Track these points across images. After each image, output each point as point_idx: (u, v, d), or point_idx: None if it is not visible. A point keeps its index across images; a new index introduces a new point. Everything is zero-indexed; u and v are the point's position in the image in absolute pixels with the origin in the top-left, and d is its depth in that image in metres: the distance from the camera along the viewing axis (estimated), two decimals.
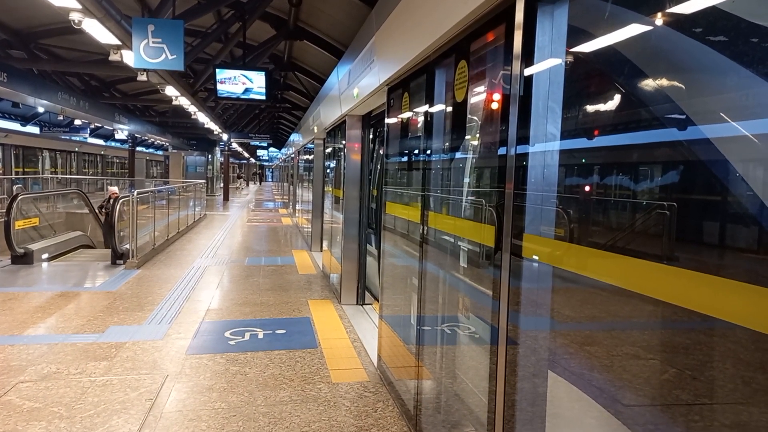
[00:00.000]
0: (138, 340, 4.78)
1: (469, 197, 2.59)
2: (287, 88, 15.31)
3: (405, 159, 3.82)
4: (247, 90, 8.70)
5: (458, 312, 2.76)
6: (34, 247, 8.76)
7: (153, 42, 6.48)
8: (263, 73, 8.75)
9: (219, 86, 8.63)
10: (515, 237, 1.95)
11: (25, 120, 24.51)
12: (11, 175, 21.03)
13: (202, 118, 14.66)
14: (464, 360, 2.77)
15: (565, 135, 1.83)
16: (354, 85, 5.13)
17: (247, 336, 5.00)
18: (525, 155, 1.93)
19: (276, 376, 4.06)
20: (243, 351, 4.59)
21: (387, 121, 4.12)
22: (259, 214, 19.47)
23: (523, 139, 1.91)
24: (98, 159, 33.10)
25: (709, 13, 1.22)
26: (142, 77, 8.07)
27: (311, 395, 3.75)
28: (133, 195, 8.86)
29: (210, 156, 30.43)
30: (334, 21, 8.22)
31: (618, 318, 1.61)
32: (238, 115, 22.09)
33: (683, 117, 1.32)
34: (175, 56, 6.55)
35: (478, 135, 2.46)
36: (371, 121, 5.97)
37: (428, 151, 3.10)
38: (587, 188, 1.76)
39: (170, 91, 9.83)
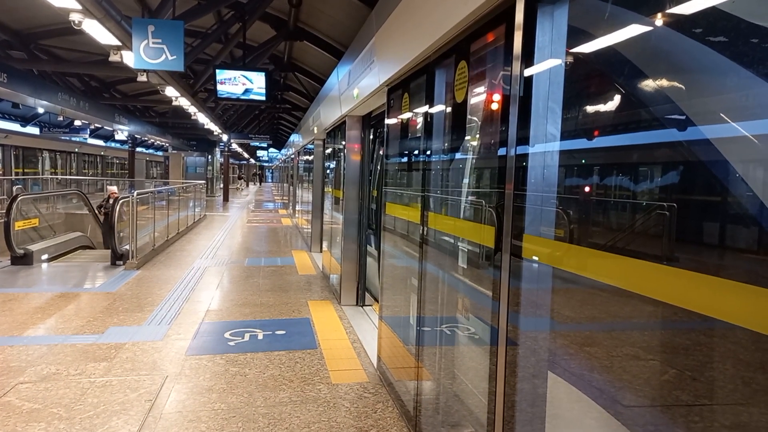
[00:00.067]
0: (138, 341, 4.77)
1: (469, 198, 2.59)
2: (287, 88, 15.32)
3: (405, 160, 3.82)
4: (247, 91, 8.71)
5: (458, 313, 2.76)
6: (33, 247, 8.75)
7: (153, 42, 6.48)
8: (263, 73, 8.75)
9: (219, 87, 8.63)
10: (515, 238, 1.95)
11: (25, 121, 24.51)
12: (11, 175, 21.03)
13: (202, 118, 14.66)
14: (464, 361, 2.77)
15: (565, 135, 1.83)
16: (354, 86, 5.13)
17: (246, 337, 4.99)
18: (525, 156, 1.92)
19: (275, 377, 4.06)
20: (243, 352, 4.58)
21: (387, 121, 4.12)
22: (259, 214, 19.47)
23: (523, 139, 1.91)
24: (98, 160, 33.10)
25: (709, 13, 1.22)
26: (142, 78, 8.07)
27: (311, 396, 3.75)
28: (132, 196, 8.86)
29: (210, 157, 30.43)
30: (334, 21, 8.23)
31: (618, 319, 1.61)
32: (238, 115, 22.10)
33: (683, 118, 1.32)
34: (175, 57, 6.56)
35: (478, 135, 2.45)
36: (371, 121, 5.97)
37: (428, 152, 3.10)
38: (587, 189, 1.76)
39: (170, 91, 9.84)
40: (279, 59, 11.95)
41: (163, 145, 28.98)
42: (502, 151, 2.04)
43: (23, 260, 8.34)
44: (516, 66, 1.92)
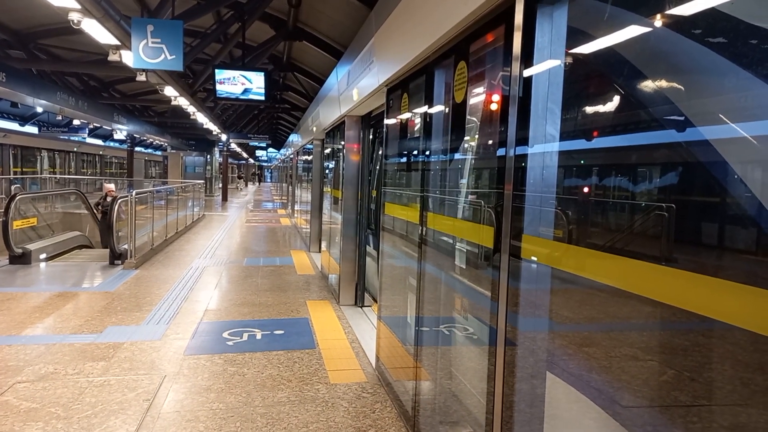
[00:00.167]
0: (136, 341, 4.77)
1: (467, 198, 2.59)
2: (286, 88, 15.31)
3: (404, 160, 3.82)
4: (246, 90, 8.70)
5: (457, 313, 2.76)
6: (32, 247, 8.74)
7: (152, 42, 6.48)
8: (262, 73, 8.75)
9: (218, 86, 8.62)
10: (514, 238, 1.95)
11: (23, 120, 24.48)
12: (9, 175, 20.99)
13: (201, 118, 14.64)
14: (463, 361, 2.77)
15: (564, 136, 1.83)
16: (353, 86, 5.13)
17: (245, 336, 4.99)
18: (524, 156, 1.93)
19: (274, 377, 4.06)
20: (241, 351, 4.58)
21: (386, 121, 4.12)
22: (258, 214, 19.45)
23: (522, 140, 1.91)
24: (97, 159, 33.06)
25: (709, 14, 1.22)
26: (141, 77, 8.06)
27: (309, 396, 3.75)
28: (131, 195, 8.85)
29: (209, 156, 30.42)
30: (333, 22, 8.23)
31: (616, 319, 1.61)
32: (237, 115, 22.08)
33: (682, 118, 1.32)
34: (174, 56, 6.55)
35: (477, 136, 2.46)
36: (370, 121, 5.97)
37: (427, 152, 3.10)
38: (586, 189, 1.77)
39: (169, 91, 9.82)
40: (278, 59, 11.94)
41: (161, 145, 28.96)
42: (501, 152, 2.04)
43: (21, 259, 8.32)
44: (515, 66, 1.92)
